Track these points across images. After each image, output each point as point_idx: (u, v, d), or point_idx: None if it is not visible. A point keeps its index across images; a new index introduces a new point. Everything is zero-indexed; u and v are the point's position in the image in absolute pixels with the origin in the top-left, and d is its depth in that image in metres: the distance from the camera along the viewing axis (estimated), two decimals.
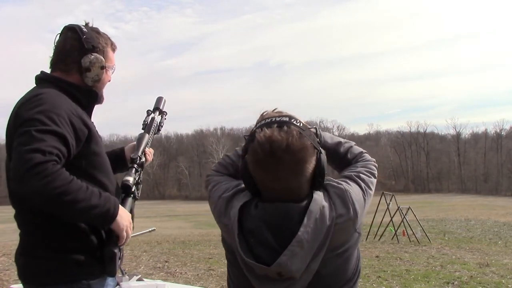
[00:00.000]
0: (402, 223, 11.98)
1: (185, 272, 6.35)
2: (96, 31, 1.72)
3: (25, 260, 1.57)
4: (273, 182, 1.19)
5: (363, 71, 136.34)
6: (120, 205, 1.55)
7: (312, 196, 1.20)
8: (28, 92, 1.63)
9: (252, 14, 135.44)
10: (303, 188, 1.21)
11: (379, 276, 6.69)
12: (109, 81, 1.79)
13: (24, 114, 1.48)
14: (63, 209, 1.41)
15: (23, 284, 1.61)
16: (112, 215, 1.50)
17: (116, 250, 1.57)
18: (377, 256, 8.80)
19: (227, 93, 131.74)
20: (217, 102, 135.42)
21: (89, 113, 1.71)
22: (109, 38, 1.76)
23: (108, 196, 1.50)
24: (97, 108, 1.78)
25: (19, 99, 1.62)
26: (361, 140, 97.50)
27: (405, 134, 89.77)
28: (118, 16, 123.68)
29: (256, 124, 1.23)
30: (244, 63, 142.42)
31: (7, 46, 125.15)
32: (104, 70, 1.70)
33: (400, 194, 38.76)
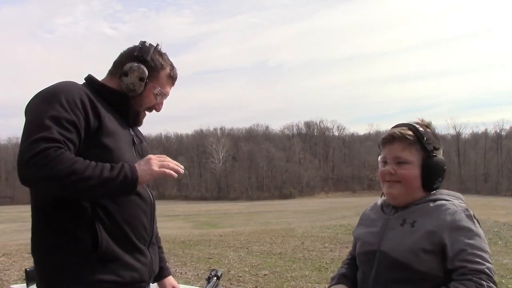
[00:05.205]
0: None
1: (185, 272, 6.34)
2: (159, 52, 1.65)
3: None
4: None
5: (362, 71, 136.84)
6: (137, 164, 1.44)
7: None
8: None
9: (249, 14, 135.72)
10: None
11: None
12: (154, 107, 1.68)
13: (30, 102, 1.46)
14: (74, 190, 1.35)
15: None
16: (132, 180, 1.39)
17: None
18: None
19: (227, 93, 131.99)
20: (217, 102, 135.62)
21: (122, 116, 1.62)
22: (170, 64, 1.68)
23: (121, 165, 1.41)
24: None
25: None
26: (361, 140, 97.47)
27: None
28: (117, 17, 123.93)
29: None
30: (243, 63, 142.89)
31: (4, 46, 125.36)
32: (143, 84, 1.60)
33: None
